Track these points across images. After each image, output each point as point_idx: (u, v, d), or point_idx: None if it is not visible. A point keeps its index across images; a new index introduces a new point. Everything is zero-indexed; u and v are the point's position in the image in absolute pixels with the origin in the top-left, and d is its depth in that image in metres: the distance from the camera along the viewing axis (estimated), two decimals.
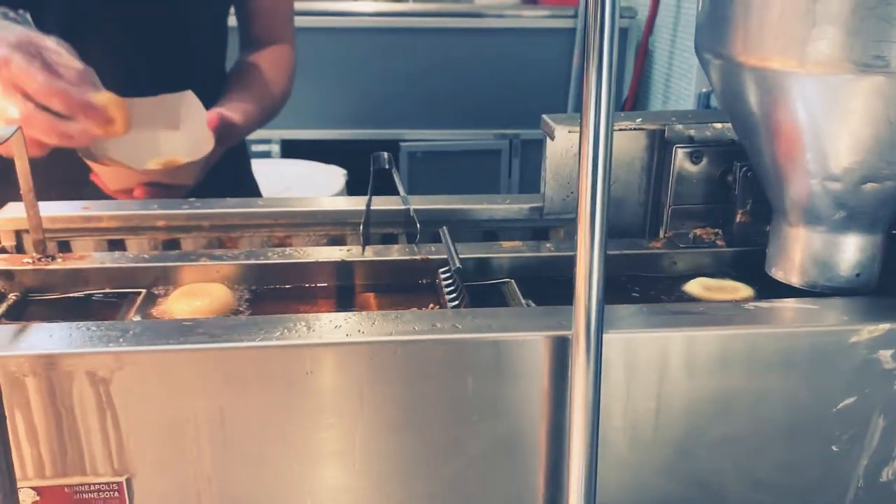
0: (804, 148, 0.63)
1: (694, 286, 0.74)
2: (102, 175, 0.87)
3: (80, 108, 0.81)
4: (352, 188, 2.27)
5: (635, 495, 0.62)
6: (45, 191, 0.75)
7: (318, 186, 2.24)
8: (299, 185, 2.22)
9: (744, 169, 0.77)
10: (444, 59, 2.65)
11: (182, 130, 0.96)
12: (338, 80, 2.66)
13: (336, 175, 2.33)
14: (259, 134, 2.70)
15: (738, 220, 0.79)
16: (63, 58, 0.83)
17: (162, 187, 0.88)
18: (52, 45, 0.83)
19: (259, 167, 1.34)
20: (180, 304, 0.69)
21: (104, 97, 0.84)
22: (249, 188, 1.26)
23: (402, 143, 2.66)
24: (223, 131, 0.94)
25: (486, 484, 0.61)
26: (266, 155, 2.64)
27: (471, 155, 2.72)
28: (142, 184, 0.87)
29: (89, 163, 0.87)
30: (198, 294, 0.70)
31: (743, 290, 0.73)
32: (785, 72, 0.59)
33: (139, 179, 0.87)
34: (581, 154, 0.50)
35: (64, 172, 0.95)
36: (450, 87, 2.67)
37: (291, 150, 2.65)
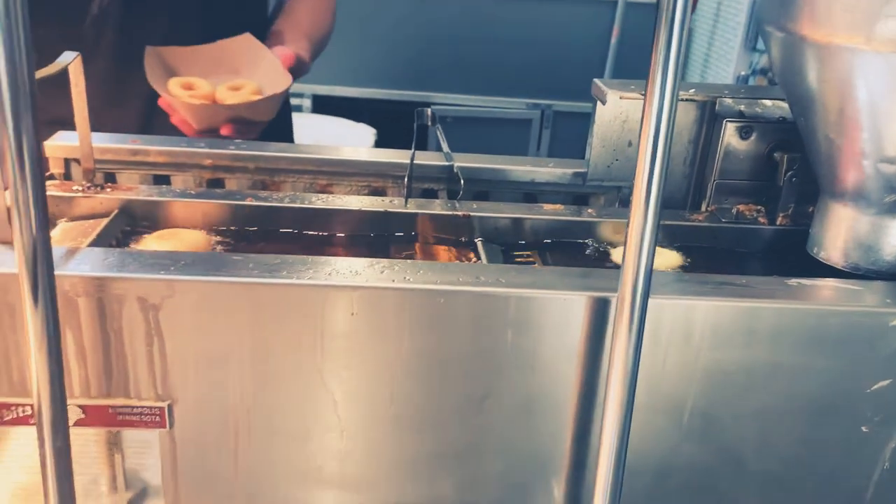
0: (861, 127, 0.62)
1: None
2: (188, 114, 0.89)
3: None
4: (380, 147, 2.27)
5: (661, 458, 0.63)
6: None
7: (348, 144, 2.24)
8: (329, 141, 2.22)
9: (789, 174, 0.76)
10: (482, 24, 2.62)
11: (251, 70, 0.97)
12: (373, 38, 2.64)
13: (366, 134, 2.32)
14: (292, 88, 2.70)
15: (778, 223, 0.78)
16: None
17: (244, 123, 0.91)
18: None
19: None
20: (152, 246, 0.69)
21: None
22: (287, 137, 1.27)
23: (433, 106, 2.65)
24: (297, 68, 0.98)
25: (516, 436, 0.62)
26: (297, 109, 2.63)
27: (501, 123, 2.71)
28: (227, 120, 0.89)
29: (173, 103, 0.89)
30: (170, 238, 0.70)
31: (673, 258, 0.73)
32: (850, 48, 0.59)
33: (225, 115, 0.89)
34: (643, 121, 0.49)
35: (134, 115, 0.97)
36: (486, 52, 2.65)
37: (323, 105, 2.65)
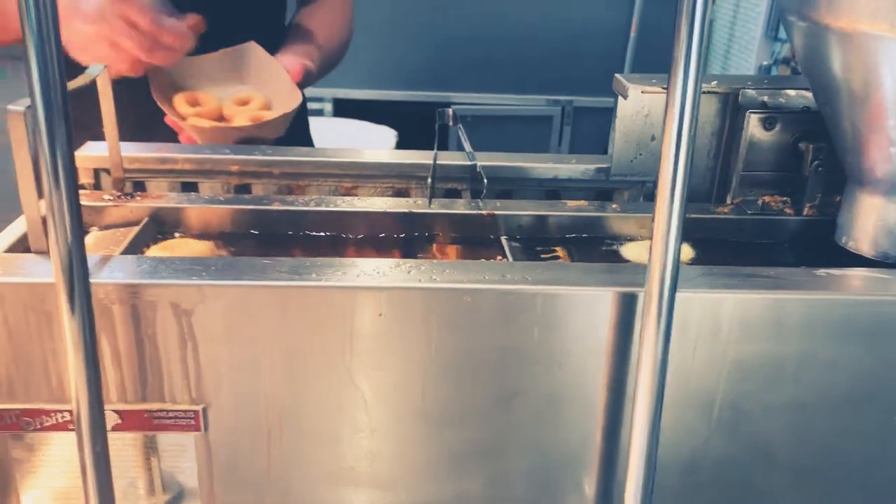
0: (887, 115, 0.61)
1: (637, 245, 0.75)
2: (197, 136, 0.90)
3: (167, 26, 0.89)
4: (401, 149, 2.28)
5: (692, 452, 0.63)
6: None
7: (369, 146, 2.25)
8: (350, 144, 2.24)
9: (815, 164, 0.76)
10: (500, 22, 2.63)
11: (257, 80, 0.97)
12: (392, 40, 2.65)
13: (386, 135, 2.34)
14: (312, 92, 2.72)
15: (804, 213, 0.78)
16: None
17: (253, 142, 0.92)
18: None
19: (311, 124, 1.35)
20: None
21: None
22: (306, 140, 1.28)
23: (453, 106, 2.65)
24: (305, 81, 0.97)
25: (545, 433, 0.62)
26: (318, 113, 2.65)
27: (521, 120, 2.71)
28: (236, 140, 0.90)
29: (180, 124, 0.90)
30: (175, 249, 0.71)
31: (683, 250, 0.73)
32: (875, 35, 0.58)
33: (234, 136, 0.90)
34: (666, 115, 0.49)
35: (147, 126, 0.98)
36: (504, 50, 2.65)
37: (343, 108, 2.67)
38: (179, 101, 0.93)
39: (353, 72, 2.58)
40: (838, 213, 0.71)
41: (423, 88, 2.70)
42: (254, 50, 0.99)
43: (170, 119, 0.92)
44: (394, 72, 2.70)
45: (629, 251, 0.74)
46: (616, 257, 0.74)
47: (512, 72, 2.68)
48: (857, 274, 0.63)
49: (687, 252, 0.74)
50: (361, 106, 2.64)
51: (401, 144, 2.28)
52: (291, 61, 1.00)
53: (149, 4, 0.87)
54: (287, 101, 0.94)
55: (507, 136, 2.68)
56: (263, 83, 0.98)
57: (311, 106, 2.64)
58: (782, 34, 2.21)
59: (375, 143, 2.28)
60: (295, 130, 1.22)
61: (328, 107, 2.68)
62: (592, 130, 2.73)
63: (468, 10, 2.62)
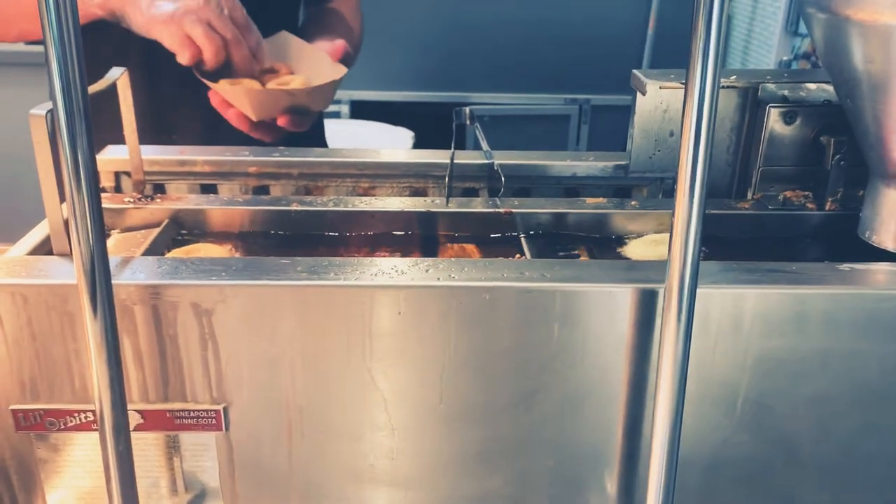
0: None
1: (643, 242, 0.74)
2: (248, 102, 0.88)
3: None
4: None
5: (714, 449, 0.62)
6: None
7: (387, 147, 2.26)
8: (368, 145, 2.24)
9: (836, 158, 0.75)
10: (515, 21, 2.62)
11: (294, 66, 0.96)
12: (407, 41, 2.65)
13: (404, 137, 2.34)
14: None
15: (827, 208, 0.77)
16: None
17: (299, 113, 0.90)
18: None
19: (329, 127, 1.36)
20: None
21: None
22: (321, 141, 1.28)
23: (469, 106, 2.65)
24: (345, 60, 0.97)
25: (566, 430, 0.62)
26: (336, 115, 2.66)
27: (539, 120, 2.70)
28: (286, 109, 0.88)
29: (229, 95, 0.88)
30: (193, 254, 0.70)
31: None
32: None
33: (285, 102, 0.88)
34: (685, 110, 0.49)
35: (195, 120, 0.98)
36: (521, 49, 2.64)
37: (360, 111, 2.67)
38: (223, 83, 0.92)
39: (369, 74, 2.58)
40: (861, 207, 0.70)
41: (440, 89, 2.70)
42: (288, 38, 0.98)
43: (215, 97, 0.90)
44: (410, 73, 2.71)
45: (632, 250, 0.74)
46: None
47: (528, 71, 2.67)
48: (880, 268, 0.62)
49: None
50: (378, 108, 2.65)
51: (418, 145, 2.29)
52: (331, 45, 0.99)
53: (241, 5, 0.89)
54: (332, 73, 0.93)
55: (525, 136, 2.68)
56: (303, 67, 0.96)
57: (328, 108, 2.66)
58: (802, 29, 2.19)
59: (393, 145, 2.29)
60: (309, 131, 1.23)
61: (345, 109, 2.69)
62: (610, 129, 2.72)
63: (484, 10, 2.62)
